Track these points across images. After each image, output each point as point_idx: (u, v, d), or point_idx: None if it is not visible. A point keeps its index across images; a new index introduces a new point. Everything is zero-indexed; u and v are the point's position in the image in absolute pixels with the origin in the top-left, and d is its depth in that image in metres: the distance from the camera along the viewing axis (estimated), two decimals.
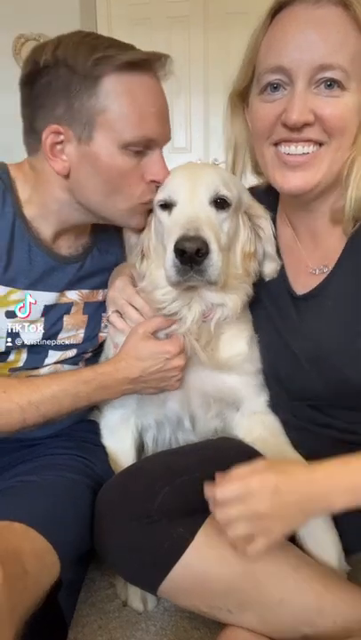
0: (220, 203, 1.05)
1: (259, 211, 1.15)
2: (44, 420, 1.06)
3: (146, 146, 1.03)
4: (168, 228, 1.04)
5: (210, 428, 1.25)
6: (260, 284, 1.17)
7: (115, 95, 0.98)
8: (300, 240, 1.11)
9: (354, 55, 0.90)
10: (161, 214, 1.08)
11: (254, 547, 0.84)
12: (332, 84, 0.91)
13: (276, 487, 0.83)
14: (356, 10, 0.89)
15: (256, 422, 1.20)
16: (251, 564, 0.92)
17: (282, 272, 1.13)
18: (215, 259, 0.98)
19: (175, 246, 0.97)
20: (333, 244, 1.02)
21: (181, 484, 1.00)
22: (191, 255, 0.95)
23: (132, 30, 3.41)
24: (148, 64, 1.00)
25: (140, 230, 1.17)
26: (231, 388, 1.19)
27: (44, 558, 0.89)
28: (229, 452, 1.13)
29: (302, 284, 1.08)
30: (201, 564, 0.92)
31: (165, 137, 1.07)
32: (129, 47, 1.02)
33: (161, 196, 1.07)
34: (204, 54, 3.50)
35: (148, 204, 1.09)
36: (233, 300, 1.10)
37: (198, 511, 0.95)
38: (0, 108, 2.25)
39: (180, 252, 0.96)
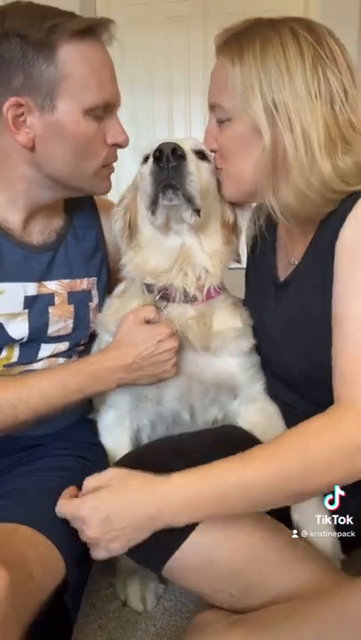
0: (200, 154, 1.09)
1: None
2: (36, 415, 1.04)
3: (105, 110, 1.05)
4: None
5: (208, 417, 1.24)
6: (254, 271, 1.25)
7: (73, 62, 0.98)
8: (287, 232, 1.15)
9: (233, 92, 0.97)
10: (144, 167, 1.09)
11: (95, 554, 0.91)
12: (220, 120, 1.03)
13: (106, 517, 0.87)
14: (225, 53, 0.99)
15: (254, 410, 1.21)
16: (256, 550, 0.93)
17: (273, 260, 1.18)
18: (192, 168, 1.00)
19: (152, 154, 0.99)
20: (305, 237, 1.06)
21: (192, 464, 1.01)
22: (168, 156, 0.98)
23: (131, 30, 3.41)
24: (97, 31, 1.02)
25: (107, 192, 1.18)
26: (227, 371, 1.18)
27: (48, 562, 0.89)
28: (234, 437, 1.15)
29: (284, 272, 1.13)
30: (208, 544, 0.92)
31: (119, 100, 1.10)
32: (72, 14, 1.03)
33: (144, 151, 1.09)
34: (203, 54, 3.51)
35: (110, 167, 1.12)
36: (214, 266, 1.12)
37: None
38: None
39: (156, 156, 0.98)
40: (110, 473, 0.94)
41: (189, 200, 1.02)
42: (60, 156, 1.04)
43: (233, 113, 0.99)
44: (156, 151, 0.99)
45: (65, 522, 0.95)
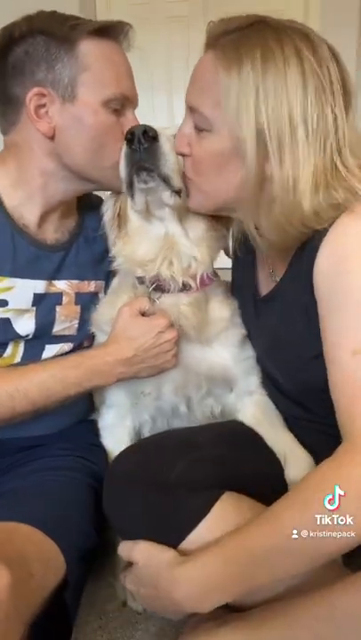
0: None
1: None
2: (34, 407, 1.05)
3: (123, 104, 1.09)
4: None
5: (206, 409, 1.24)
6: (237, 277, 1.24)
7: (92, 56, 1.04)
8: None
9: (222, 104, 0.88)
10: None
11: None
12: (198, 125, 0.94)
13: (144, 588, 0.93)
14: (219, 54, 0.89)
15: (250, 403, 1.21)
16: None
17: (254, 274, 1.17)
18: (167, 148, 0.99)
19: (125, 137, 0.99)
20: (284, 256, 1.03)
21: (198, 459, 1.01)
22: (139, 138, 0.97)
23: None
24: (115, 32, 1.08)
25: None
26: (220, 364, 1.18)
27: (49, 560, 0.89)
28: (238, 433, 1.16)
29: (266, 287, 1.12)
30: (214, 537, 0.91)
31: (136, 98, 1.14)
32: (91, 20, 1.10)
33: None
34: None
35: None
36: (202, 253, 1.11)
37: (214, 486, 0.96)
38: None
39: (128, 138, 0.98)
40: (138, 552, 0.93)
41: (165, 180, 1.00)
42: (79, 145, 1.07)
43: (216, 126, 0.91)
44: (127, 134, 0.98)
45: (65, 520, 0.96)
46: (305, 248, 0.93)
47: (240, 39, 0.88)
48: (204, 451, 1.04)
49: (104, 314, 1.19)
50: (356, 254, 0.86)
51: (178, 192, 1.03)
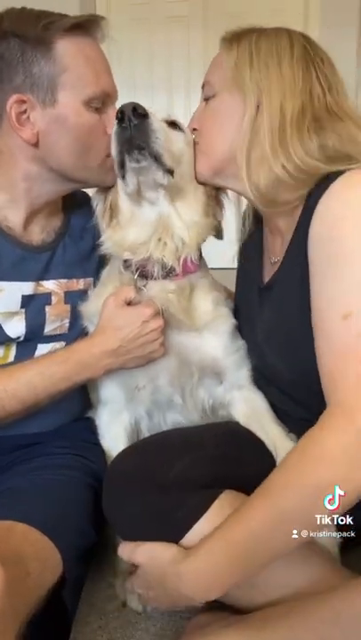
0: (173, 125, 1.09)
1: None
2: (24, 406, 1.05)
3: (104, 102, 1.08)
4: None
5: (198, 401, 1.24)
6: (242, 276, 1.26)
7: (69, 56, 1.02)
8: (269, 230, 1.14)
9: (225, 68, 1.03)
10: None
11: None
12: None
13: (152, 588, 0.95)
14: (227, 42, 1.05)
15: (239, 399, 1.21)
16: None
17: (258, 262, 1.17)
18: (157, 126, 0.99)
19: (115, 116, 0.99)
20: (286, 235, 1.04)
21: (198, 458, 1.02)
22: (129, 116, 0.97)
23: (131, 30, 3.41)
24: (89, 26, 1.06)
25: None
26: (210, 354, 1.18)
27: (46, 559, 0.89)
28: (240, 433, 1.17)
29: (268, 274, 1.12)
30: None
31: (116, 93, 1.13)
32: (65, 15, 1.06)
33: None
34: (203, 54, 3.50)
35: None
36: (190, 238, 1.11)
37: (213, 486, 0.97)
38: None
39: (118, 117, 0.98)
40: (140, 554, 0.94)
41: (157, 158, 1.00)
42: (64, 148, 1.06)
43: (218, 88, 1.04)
44: (118, 112, 0.98)
45: (63, 519, 0.96)
46: (303, 218, 0.95)
47: (242, 32, 1.03)
48: (205, 450, 1.05)
49: (92, 305, 1.19)
50: (348, 220, 0.86)
51: (170, 172, 1.03)
